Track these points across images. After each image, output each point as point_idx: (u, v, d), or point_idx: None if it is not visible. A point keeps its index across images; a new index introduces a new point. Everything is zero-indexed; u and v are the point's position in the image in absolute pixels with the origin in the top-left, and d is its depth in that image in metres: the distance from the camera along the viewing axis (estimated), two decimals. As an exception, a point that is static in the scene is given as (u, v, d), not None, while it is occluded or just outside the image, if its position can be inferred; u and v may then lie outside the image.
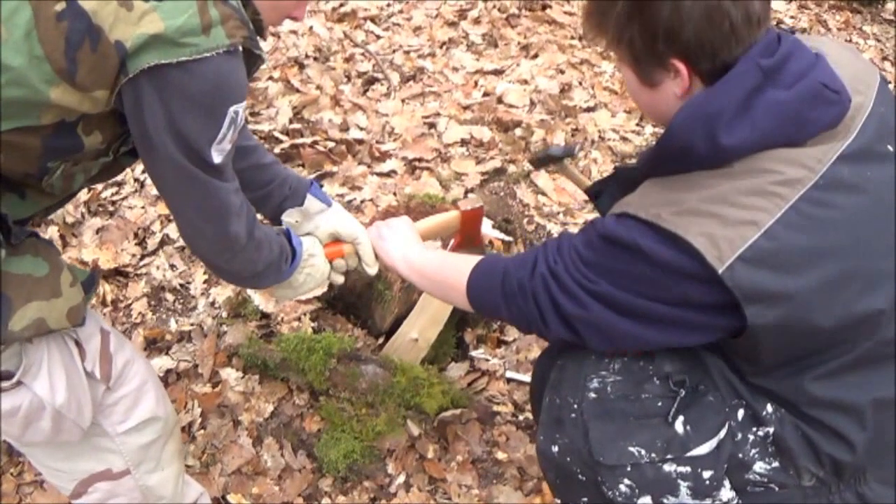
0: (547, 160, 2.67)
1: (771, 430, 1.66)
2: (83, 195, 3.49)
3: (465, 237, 2.47)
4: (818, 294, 1.48)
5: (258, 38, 1.64)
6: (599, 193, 1.99)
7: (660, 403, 1.70)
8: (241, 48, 1.52)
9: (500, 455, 2.72)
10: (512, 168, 3.86)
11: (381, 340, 2.87)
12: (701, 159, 1.52)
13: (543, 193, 3.77)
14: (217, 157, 1.59)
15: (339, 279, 2.26)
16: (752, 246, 1.44)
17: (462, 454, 2.71)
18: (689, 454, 1.66)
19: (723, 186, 1.50)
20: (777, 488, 1.69)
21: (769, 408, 1.67)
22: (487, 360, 3.02)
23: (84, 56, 1.40)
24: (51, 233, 3.36)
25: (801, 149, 1.49)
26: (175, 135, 1.52)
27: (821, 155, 1.48)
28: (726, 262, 1.44)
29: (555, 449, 1.81)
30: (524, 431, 2.78)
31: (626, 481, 1.68)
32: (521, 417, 2.84)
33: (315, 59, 4.65)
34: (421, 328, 2.67)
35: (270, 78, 4.38)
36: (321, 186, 2.28)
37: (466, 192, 3.60)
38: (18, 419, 1.69)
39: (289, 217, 2.16)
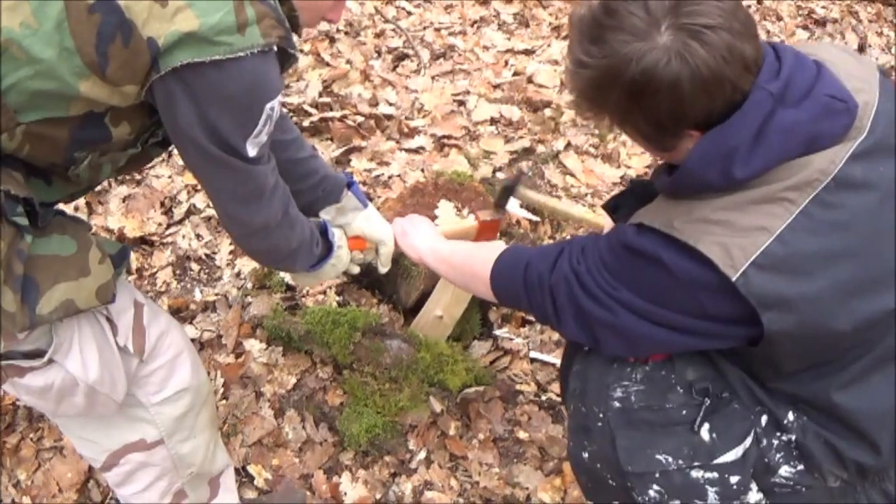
0: (505, 193, 2.61)
1: (793, 437, 1.67)
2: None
3: None
4: (832, 296, 1.47)
5: (293, 34, 1.62)
6: (617, 208, 1.99)
7: (684, 412, 1.70)
8: (275, 47, 1.50)
9: (522, 434, 2.71)
10: (541, 148, 3.84)
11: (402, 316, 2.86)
12: (715, 189, 1.50)
13: (572, 174, 3.74)
14: (252, 151, 1.58)
15: (356, 269, 2.34)
16: (765, 252, 1.43)
17: (484, 432, 2.70)
18: (715, 461, 1.67)
19: (734, 195, 1.49)
20: (804, 489, 1.70)
21: (790, 416, 1.67)
22: (511, 339, 3.00)
23: (115, 51, 1.39)
24: (77, 200, 3.35)
25: (813, 155, 1.46)
26: (209, 131, 1.51)
27: (832, 156, 1.45)
28: (739, 270, 1.44)
29: (585, 455, 1.82)
30: (546, 411, 2.77)
31: (656, 487, 1.69)
32: (543, 397, 2.83)
33: (346, 33, 4.63)
34: (445, 305, 2.66)
35: (301, 51, 4.36)
36: (350, 172, 2.30)
37: (495, 170, 3.58)
38: (52, 395, 1.69)
39: (325, 214, 2.20)
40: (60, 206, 1.71)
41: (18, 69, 1.37)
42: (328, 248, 2.10)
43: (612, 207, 2.05)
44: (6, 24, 1.36)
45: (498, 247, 2.00)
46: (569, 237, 3.34)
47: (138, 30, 1.38)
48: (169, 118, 1.52)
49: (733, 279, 1.44)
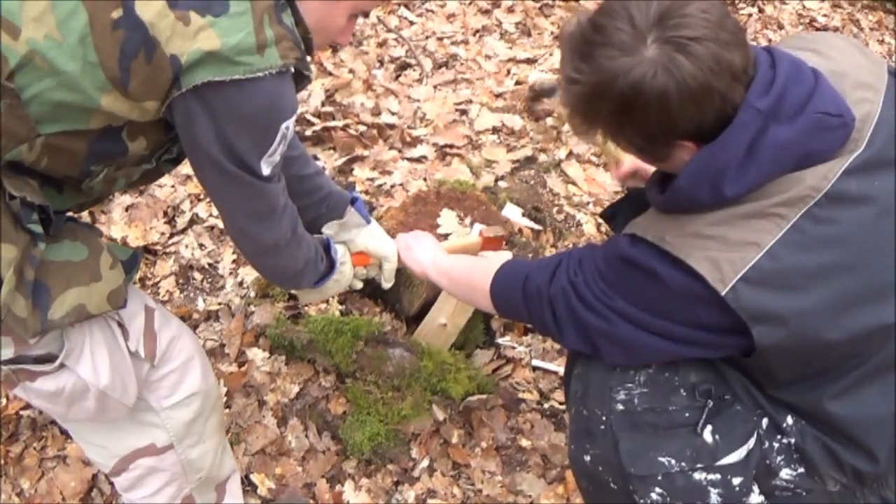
0: (543, 94, 2.70)
1: (793, 440, 1.68)
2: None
3: None
4: (824, 311, 1.48)
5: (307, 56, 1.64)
6: (614, 216, 2.01)
7: (687, 414, 1.71)
8: (292, 68, 1.52)
9: (525, 442, 2.71)
10: (543, 157, 3.84)
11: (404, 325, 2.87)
12: (706, 206, 1.52)
13: (574, 183, 3.74)
14: (266, 170, 1.60)
15: (359, 285, 2.36)
16: (754, 267, 1.45)
17: (486, 440, 2.70)
18: (718, 463, 1.68)
19: (725, 210, 1.50)
20: (804, 493, 1.71)
21: (789, 420, 1.68)
22: (514, 347, 3.01)
23: (138, 67, 1.40)
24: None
25: (806, 170, 1.47)
26: (226, 149, 1.53)
27: (826, 171, 1.46)
28: (729, 284, 1.45)
29: (587, 458, 1.82)
30: (549, 420, 2.77)
31: (658, 490, 1.70)
32: (546, 405, 2.82)
33: (349, 42, 4.63)
34: (449, 314, 2.66)
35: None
36: (353, 184, 2.31)
37: (497, 179, 3.58)
38: (62, 400, 1.70)
39: (328, 229, 2.22)
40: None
41: (41, 80, 1.38)
42: (331, 265, 2.12)
43: (609, 216, 2.06)
44: (31, 35, 1.37)
45: (498, 260, 2.01)
46: (570, 246, 3.35)
47: (161, 47, 1.39)
48: (187, 135, 1.53)
49: (722, 294, 1.46)
